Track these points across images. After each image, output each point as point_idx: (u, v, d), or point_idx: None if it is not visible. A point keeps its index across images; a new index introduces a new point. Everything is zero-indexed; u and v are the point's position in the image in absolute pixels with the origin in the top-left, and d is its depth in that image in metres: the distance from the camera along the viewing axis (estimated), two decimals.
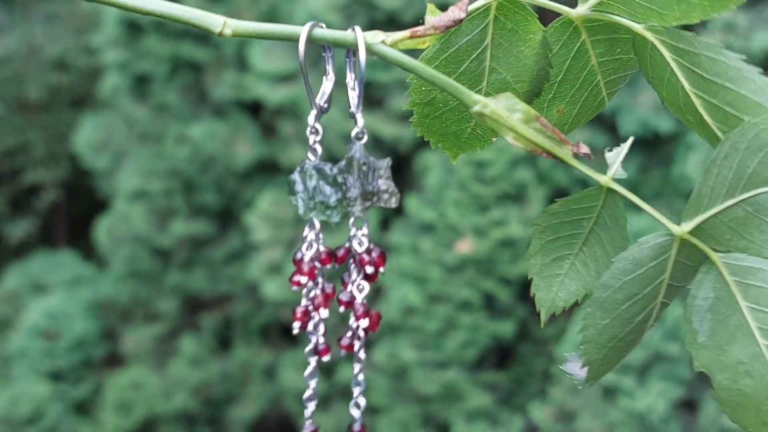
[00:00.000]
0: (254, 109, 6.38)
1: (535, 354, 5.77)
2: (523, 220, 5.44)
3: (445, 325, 5.45)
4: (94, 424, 6.39)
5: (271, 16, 6.15)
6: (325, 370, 5.78)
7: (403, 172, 5.82)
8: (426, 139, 0.75)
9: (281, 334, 6.41)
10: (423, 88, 0.71)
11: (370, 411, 5.68)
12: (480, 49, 0.68)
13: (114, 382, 6.38)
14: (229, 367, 6.31)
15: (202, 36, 6.30)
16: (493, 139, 0.73)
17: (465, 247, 5.43)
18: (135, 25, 6.34)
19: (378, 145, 5.62)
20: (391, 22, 5.63)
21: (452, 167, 5.47)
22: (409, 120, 0.73)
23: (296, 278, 0.67)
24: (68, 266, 7.00)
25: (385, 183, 0.64)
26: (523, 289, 5.71)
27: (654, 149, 5.29)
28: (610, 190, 0.65)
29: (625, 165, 0.67)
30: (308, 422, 0.69)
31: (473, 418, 5.45)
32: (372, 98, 5.66)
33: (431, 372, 5.47)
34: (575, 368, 0.69)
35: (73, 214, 7.77)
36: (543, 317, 0.71)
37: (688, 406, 5.21)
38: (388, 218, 5.74)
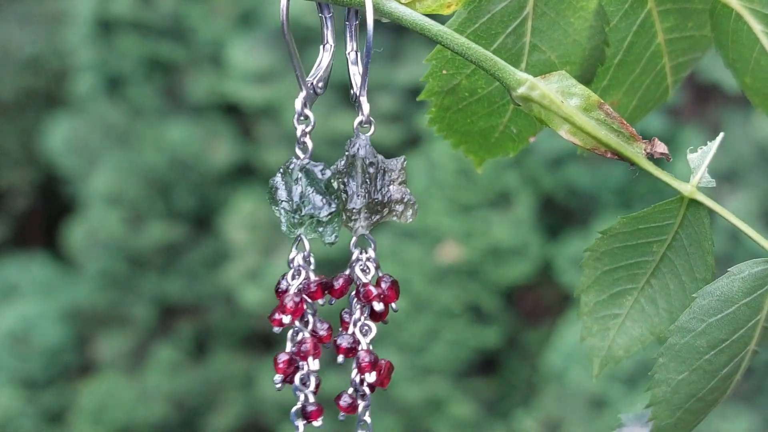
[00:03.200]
0: (232, 110, 6.27)
1: (521, 362, 5.71)
2: (510, 225, 5.36)
3: (428, 333, 5.37)
4: None
5: (252, 17, 6.03)
6: None
7: None
8: (445, 139, 0.57)
9: (260, 342, 6.29)
10: (444, 72, 0.53)
11: (352, 420, 5.59)
12: (518, 20, 0.51)
13: (88, 390, 6.27)
14: (207, 374, 6.21)
15: (178, 36, 6.19)
16: (531, 140, 0.57)
17: (450, 253, 5.34)
18: (108, 25, 6.22)
19: None
20: None
21: (436, 171, 5.37)
22: (426, 114, 0.56)
23: (278, 316, 0.51)
24: (42, 270, 6.87)
25: (398, 190, 0.47)
26: (509, 296, 5.63)
27: None
28: (693, 203, 0.49)
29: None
30: None
31: (457, 427, 5.38)
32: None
33: (414, 380, 5.39)
34: None
35: (47, 217, 7.63)
36: (596, 370, 0.54)
37: None
38: None
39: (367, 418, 0.53)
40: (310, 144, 0.49)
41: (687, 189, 0.49)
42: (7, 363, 6.34)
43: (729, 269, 0.48)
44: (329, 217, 0.46)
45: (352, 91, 0.49)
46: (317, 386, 0.54)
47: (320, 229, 0.46)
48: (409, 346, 5.39)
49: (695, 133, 4.99)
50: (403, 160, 0.48)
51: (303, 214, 0.46)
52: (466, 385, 5.51)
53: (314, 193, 0.46)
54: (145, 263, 6.33)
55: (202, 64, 6.25)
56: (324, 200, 0.46)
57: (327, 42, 0.48)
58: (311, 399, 0.53)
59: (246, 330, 6.29)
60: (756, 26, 0.50)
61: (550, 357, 5.18)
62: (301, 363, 0.53)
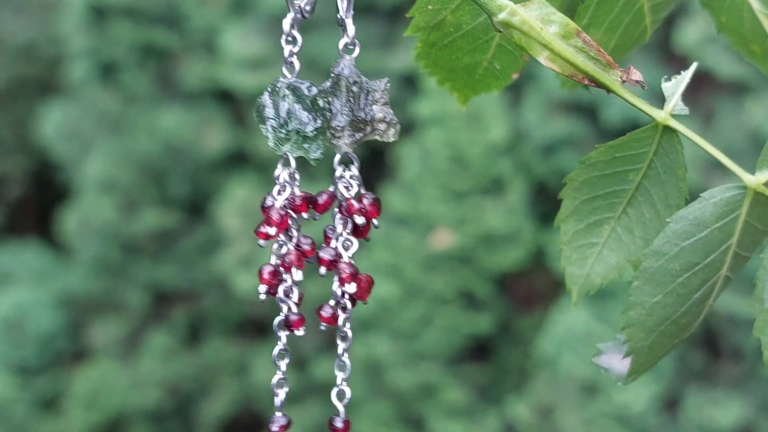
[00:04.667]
0: (225, 97, 6.27)
1: (514, 348, 5.72)
2: (503, 212, 5.36)
3: (421, 320, 5.38)
4: (62, 420, 6.27)
5: (246, 4, 6.03)
6: (298, 364, 5.67)
7: (377, 163, 5.73)
8: (431, 76, 0.59)
9: (253, 329, 6.30)
10: (430, 8, 0.55)
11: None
12: None
13: (82, 377, 6.27)
14: (200, 361, 6.22)
15: (171, 23, 6.19)
16: (515, 76, 0.58)
17: (442, 240, 5.35)
18: (101, 12, 6.22)
19: None
20: None
21: (429, 158, 5.38)
22: (413, 49, 0.57)
23: (263, 229, 0.53)
24: (36, 258, 6.87)
25: (381, 110, 0.49)
26: (502, 282, 5.65)
27: None
28: (667, 130, 0.50)
29: None
30: (278, 414, 0.54)
31: (449, 413, 5.39)
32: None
33: (407, 366, 5.40)
34: (613, 361, 0.56)
35: (40, 205, 7.64)
36: (575, 297, 0.56)
37: (669, 402, 5.14)
38: None
39: (348, 330, 0.55)
40: (297, 64, 0.51)
41: (661, 116, 0.51)
42: (0, 350, 6.34)
43: (701, 194, 0.50)
44: (315, 132, 0.48)
45: (339, 15, 0.50)
46: (300, 299, 0.56)
47: (306, 146, 0.48)
48: (402, 333, 5.40)
49: (688, 120, 5.01)
50: (386, 81, 0.50)
51: (289, 129, 0.48)
52: (459, 371, 5.52)
53: (300, 110, 0.48)
54: (138, 250, 6.33)
55: (196, 51, 6.24)
56: (310, 116, 0.48)
57: None
58: (294, 309, 0.55)
59: (240, 316, 6.29)
60: None
61: (542, 343, 5.19)
62: (284, 276, 0.55)
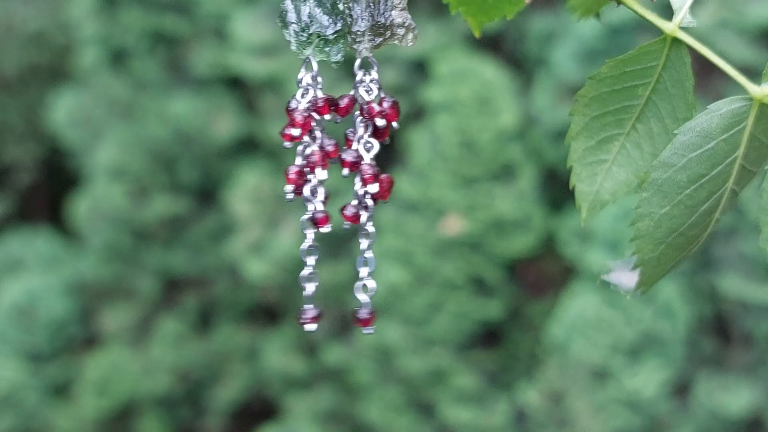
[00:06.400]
0: (236, 83, 6.27)
1: (524, 334, 5.71)
2: (513, 198, 5.36)
3: (431, 305, 5.38)
4: (73, 406, 6.29)
5: None
6: (308, 349, 5.68)
7: (387, 148, 5.73)
8: (445, 2, 0.59)
9: (264, 315, 6.31)
10: None
11: (354, 392, 5.61)
12: None
13: (93, 363, 6.29)
14: (211, 347, 6.23)
15: (181, 9, 6.19)
16: (527, 1, 0.58)
17: (453, 226, 5.34)
18: None
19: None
20: None
21: (439, 144, 5.38)
22: None
23: (288, 131, 0.54)
24: (47, 244, 6.89)
25: (400, 15, 0.50)
26: (512, 268, 5.64)
27: None
28: (675, 42, 0.51)
29: None
30: (308, 306, 0.55)
31: (460, 398, 5.39)
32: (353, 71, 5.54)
33: (417, 352, 5.40)
34: (622, 277, 0.56)
35: (51, 191, 7.66)
36: (584, 213, 0.57)
37: (679, 387, 5.14)
38: None
39: (370, 228, 0.57)
40: None
41: (669, 27, 0.51)
42: (12, 336, 6.36)
43: (708, 106, 0.51)
44: (335, 35, 0.49)
45: None
46: (326, 198, 0.57)
47: (327, 49, 0.50)
48: (413, 318, 5.40)
49: (699, 103, 4.99)
50: None
51: (311, 32, 0.49)
52: (469, 356, 5.52)
53: (321, 14, 0.49)
54: (149, 236, 6.34)
55: (206, 38, 6.24)
56: (330, 19, 0.49)
57: None
58: (320, 207, 0.56)
59: (250, 302, 6.30)
60: None
61: (552, 329, 5.19)
62: (309, 176, 0.56)
